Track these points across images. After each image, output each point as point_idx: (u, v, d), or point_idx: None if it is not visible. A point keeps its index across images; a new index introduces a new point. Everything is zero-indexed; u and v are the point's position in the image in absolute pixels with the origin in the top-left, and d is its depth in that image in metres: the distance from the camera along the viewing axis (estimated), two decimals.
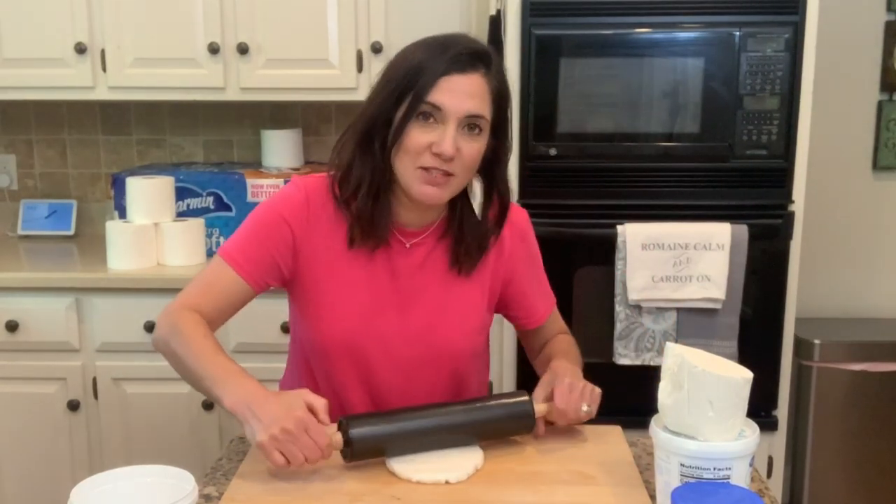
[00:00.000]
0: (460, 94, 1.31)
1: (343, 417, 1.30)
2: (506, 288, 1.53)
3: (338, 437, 1.26)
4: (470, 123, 1.33)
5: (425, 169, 1.33)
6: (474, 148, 1.35)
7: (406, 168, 1.35)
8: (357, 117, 1.40)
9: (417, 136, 1.32)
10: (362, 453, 1.29)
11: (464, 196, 1.45)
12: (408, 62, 1.34)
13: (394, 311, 1.44)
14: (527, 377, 1.69)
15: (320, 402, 1.26)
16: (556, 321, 1.63)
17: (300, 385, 1.50)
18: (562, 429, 1.40)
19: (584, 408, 1.37)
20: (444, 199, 1.39)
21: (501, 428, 1.37)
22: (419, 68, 1.32)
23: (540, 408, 1.37)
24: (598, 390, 1.41)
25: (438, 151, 1.31)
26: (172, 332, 1.37)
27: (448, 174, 1.34)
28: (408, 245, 1.45)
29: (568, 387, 1.38)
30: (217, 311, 1.42)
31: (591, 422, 1.42)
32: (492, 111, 1.36)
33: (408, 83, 1.32)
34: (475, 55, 1.34)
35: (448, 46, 1.33)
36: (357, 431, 1.27)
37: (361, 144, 1.38)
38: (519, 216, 1.53)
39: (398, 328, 1.44)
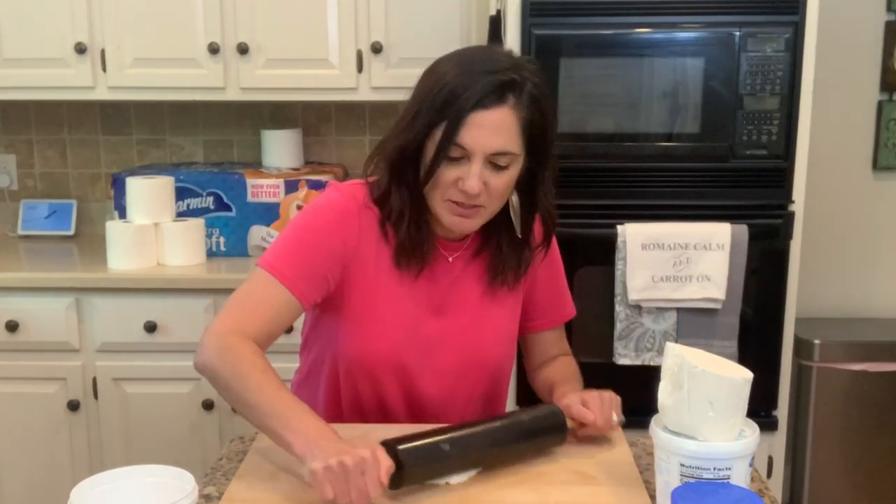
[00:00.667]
0: (486, 131, 1.30)
1: (386, 441, 1.20)
2: (528, 292, 1.54)
3: (389, 463, 1.16)
4: (496, 159, 1.32)
5: (454, 202, 1.34)
6: (502, 180, 1.34)
7: (435, 200, 1.36)
8: (390, 135, 1.38)
9: (444, 172, 1.33)
10: (413, 477, 1.20)
11: (503, 210, 1.42)
12: (436, 89, 1.31)
13: (436, 322, 1.43)
14: (527, 388, 1.68)
15: (388, 462, 1.15)
16: (562, 339, 1.63)
17: (318, 397, 1.49)
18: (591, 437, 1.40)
19: (615, 417, 1.39)
20: (475, 227, 1.40)
21: (540, 442, 1.34)
22: (448, 100, 1.29)
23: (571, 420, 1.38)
24: (618, 398, 1.42)
25: (464, 188, 1.32)
26: (226, 360, 1.28)
27: (477, 206, 1.35)
28: (450, 259, 1.45)
29: (599, 399, 1.39)
30: (267, 335, 1.34)
31: None
32: (521, 141, 1.34)
33: (436, 117, 1.31)
34: (504, 86, 1.30)
35: (478, 76, 1.30)
36: (409, 458, 1.18)
37: (395, 173, 1.37)
38: None
39: (441, 339, 1.43)
